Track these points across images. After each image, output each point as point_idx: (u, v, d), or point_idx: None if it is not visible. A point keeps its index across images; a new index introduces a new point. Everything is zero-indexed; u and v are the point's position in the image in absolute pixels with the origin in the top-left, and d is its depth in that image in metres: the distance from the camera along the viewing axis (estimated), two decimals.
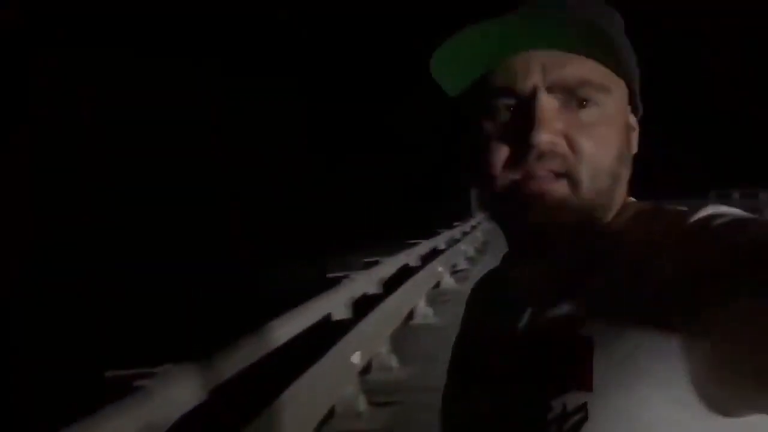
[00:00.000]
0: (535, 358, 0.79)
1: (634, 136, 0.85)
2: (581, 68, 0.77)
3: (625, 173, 0.83)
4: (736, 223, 0.71)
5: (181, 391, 2.85)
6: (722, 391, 0.68)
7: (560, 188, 0.77)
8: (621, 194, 0.83)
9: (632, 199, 0.86)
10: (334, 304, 6.18)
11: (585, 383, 0.73)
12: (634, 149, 0.85)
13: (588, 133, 0.77)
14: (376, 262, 8.84)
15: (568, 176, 0.77)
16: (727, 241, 0.69)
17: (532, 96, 0.77)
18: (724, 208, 0.75)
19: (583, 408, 0.72)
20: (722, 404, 0.69)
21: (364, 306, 6.70)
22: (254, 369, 3.72)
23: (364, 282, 7.67)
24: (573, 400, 0.73)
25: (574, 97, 0.77)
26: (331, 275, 7.09)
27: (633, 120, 0.85)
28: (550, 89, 0.77)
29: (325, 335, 5.35)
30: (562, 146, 0.77)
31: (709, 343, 0.67)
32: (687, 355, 0.68)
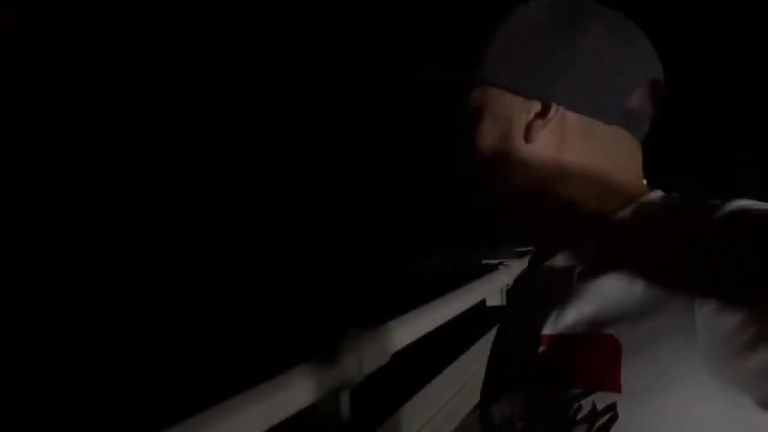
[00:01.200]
0: (564, 359, 0.79)
1: (530, 125, 0.87)
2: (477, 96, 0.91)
3: (508, 168, 0.88)
4: (765, 220, 0.71)
5: (357, 355, 3.04)
6: (749, 391, 0.68)
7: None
8: (615, 188, 0.87)
9: (659, 191, 0.87)
10: (489, 289, 6.53)
11: (614, 384, 0.73)
12: (527, 138, 0.87)
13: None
14: (528, 252, 8.90)
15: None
16: (756, 242, 0.69)
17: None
18: (752, 203, 0.74)
19: (612, 408, 0.73)
20: (748, 401, 0.69)
21: None
22: (417, 344, 3.97)
23: (518, 269, 7.90)
24: (602, 400, 0.73)
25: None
26: (485, 261, 7.31)
27: (530, 109, 0.87)
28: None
29: (479, 318, 5.64)
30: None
31: (737, 344, 0.67)
32: (713, 354, 0.69)
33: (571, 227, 0.87)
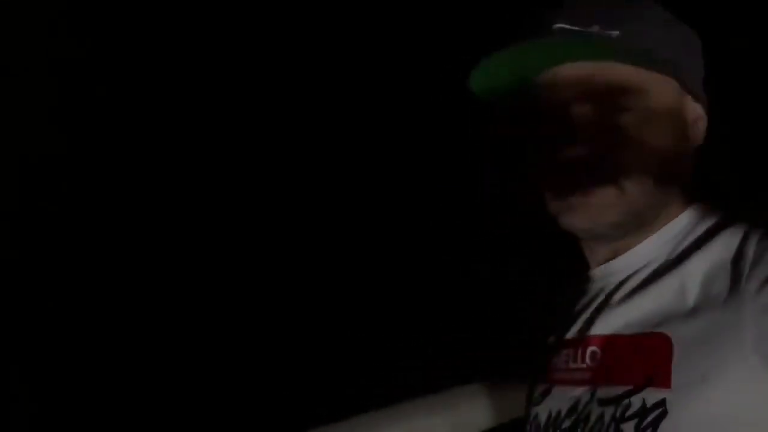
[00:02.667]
0: (616, 358, 0.81)
1: (697, 127, 0.85)
2: (613, 76, 0.79)
3: (681, 169, 0.84)
4: None
5: None
6: None
7: (605, 196, 0.80)
8: (678, 191, 0.84)
9: (706, 199, 0.87)
10: None
11: (664, 380, 0.75)
12: (697, 140, 0.85)
13: (628, 138, 0.79)
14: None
15: (613, 183, 0.79)
16: None
17: (567, 108, 0.80)
18: None
19: (662, 404, 0.74)
20: None
21: None
22: None
23: None
24: (652, 396, 0.75)
25: (611, 104, 0.79)
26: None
27: (695, 110, 0.85)
28: (585, 100, 0.79)
29: None
30: (602, 154, 0.79)
31: None
32: (761, 344, 0.70)
33: (641, 227, 0.85)
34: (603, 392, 0.81)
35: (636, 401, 0.76)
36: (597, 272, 0.90)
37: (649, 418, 0.74)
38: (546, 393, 0.90)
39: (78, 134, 2.67)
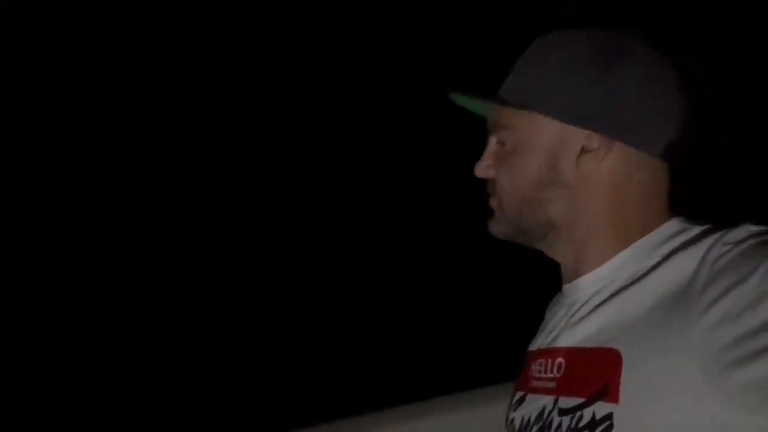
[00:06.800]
0: (576, 369, 0.86)
1: (593, 155, 0.88)
2: (496, 117, 0.94)
3: (551, 195, 0.90)
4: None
5: None
6: (738, 403, 0.72)
7: (494, 206, 0.96)
8: (580, 210, 0.90)
9: (680, 218, 0.90)
10: None
11: (613, 394, 0.78)
12: (569, 169, 0.89)
13: (501, 165, 0.93)
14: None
15: (496, 200, 0.95)
16: (754, 267, 0.73)
17: (486, 139, 0.97)
18: (756, 228, 0.79)
19: (609, 417, 0.78)
20: (738, 412, 0.73)
21: None
22: None
23: None
24: (601, 409, 0.79)
25: (496, 139, 0.95)
26: None
27: (587, 139, 0.88)
28: (491, 135, 0.96)
29: None
30: (492, 176, 0.95)
31: (729, 359, 0.72)
32: (708, 368, 0.73)
33: (598, 249, 0.90)
34: (563, 402, 0.85)
35: (587, 413, 0.80)
36: (566, 289, 0.95)
37: (598, 431, 0.79)
38: (522, 400, 0.96)
39: (77, 134, 2.66)
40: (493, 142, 0.95)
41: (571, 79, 0.88)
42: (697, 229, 0.85)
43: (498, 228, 0.95)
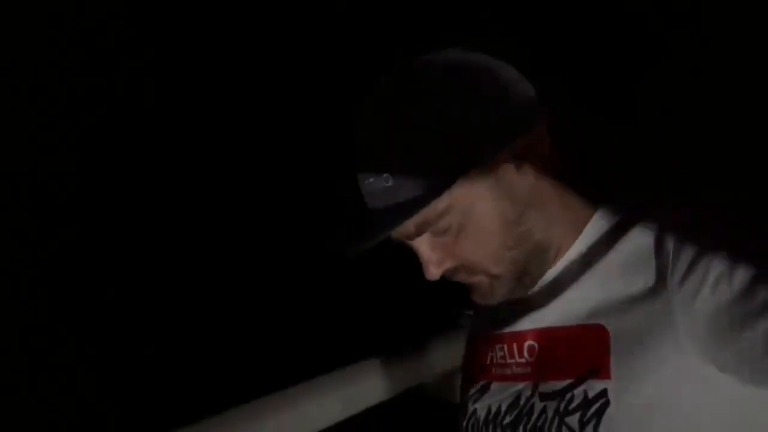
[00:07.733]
0: (554, 350, 0.83)
1: (525, 177, 0.83)
2: (411, 223, 0.80)
3: (526, 219, 0.84)
4: (716, 214, 0.78)
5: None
6: (730, 369, 0.73)
7: (483, 280, 0.85)
8: (553, 231, 0.85)
9: (608, 202, 0.88)
10: None
11: (604, 371, 0.77)
12: (522, 200, 0.83)
13: (458, 246, 0.82)
14: None
15: (481, 274, 0.84)
16: (717, 235, 0.75)
17: (414, 246, 0.83)
18: (686, 200, 0.81)
19: (603, 394, 0.76)
20: (730, 378, 0.73)
21: None
22: None
23: None
24: (593, 387, 0.77)
25: (433, 231, 0.82)
26: None
27: (507, 167, 0.82)
28: (419, 234, 0.82)
29: None
30: (455, 263, 0.83)
31: (715, 328, 0.72)
32: (694, 337, 0.73)
33: (564, 240, 0.87)
34: (545, 387, 0.82)
35: (578, 393, 0.78)
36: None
37: (593, 409, 0.76)
38: (485, 389, 0.91)
39: (77, 134, 2.68)
40: (425, 240, 0.83)
41: (450, 126, 0.78)
42: (633, 205, 0.85)
43: (499, 294, 0.86)
